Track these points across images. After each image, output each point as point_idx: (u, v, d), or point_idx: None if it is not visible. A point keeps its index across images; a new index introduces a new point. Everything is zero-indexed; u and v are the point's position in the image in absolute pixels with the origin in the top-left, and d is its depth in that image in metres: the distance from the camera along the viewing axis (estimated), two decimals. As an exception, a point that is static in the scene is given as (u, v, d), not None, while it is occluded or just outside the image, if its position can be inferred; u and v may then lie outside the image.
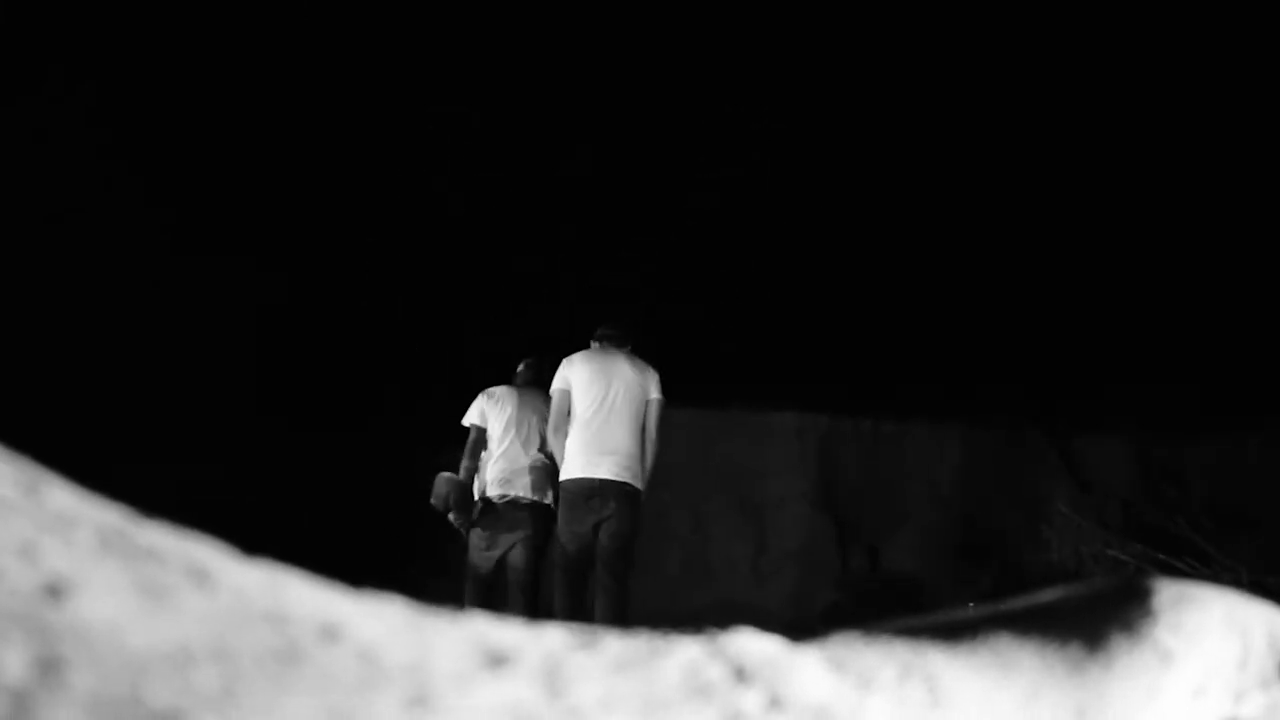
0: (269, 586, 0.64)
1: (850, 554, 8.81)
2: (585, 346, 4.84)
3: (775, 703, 0.68)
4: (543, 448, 4.77)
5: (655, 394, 4.69)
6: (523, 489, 4.78)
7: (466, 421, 5.00)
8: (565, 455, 4.52)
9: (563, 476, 4.52)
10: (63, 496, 0.65)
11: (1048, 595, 1.13)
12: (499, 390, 5.07)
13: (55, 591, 0.56)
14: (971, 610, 1.08)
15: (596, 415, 4.51)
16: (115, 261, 8.82)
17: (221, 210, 9.76)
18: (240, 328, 9.73)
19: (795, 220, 10.62)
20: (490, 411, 4.97)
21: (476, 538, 4.82)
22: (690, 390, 9.41)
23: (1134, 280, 9.47)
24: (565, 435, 4.54)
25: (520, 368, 5.30)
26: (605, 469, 4.42)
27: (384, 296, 10.40)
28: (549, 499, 4.77)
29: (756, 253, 10.48)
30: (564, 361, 4.67)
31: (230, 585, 0.62)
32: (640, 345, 4.92)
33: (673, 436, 9.61)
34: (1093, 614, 1.03)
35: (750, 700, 0.67)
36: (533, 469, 4.77)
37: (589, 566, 4.44)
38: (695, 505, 9.22)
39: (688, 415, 9.77)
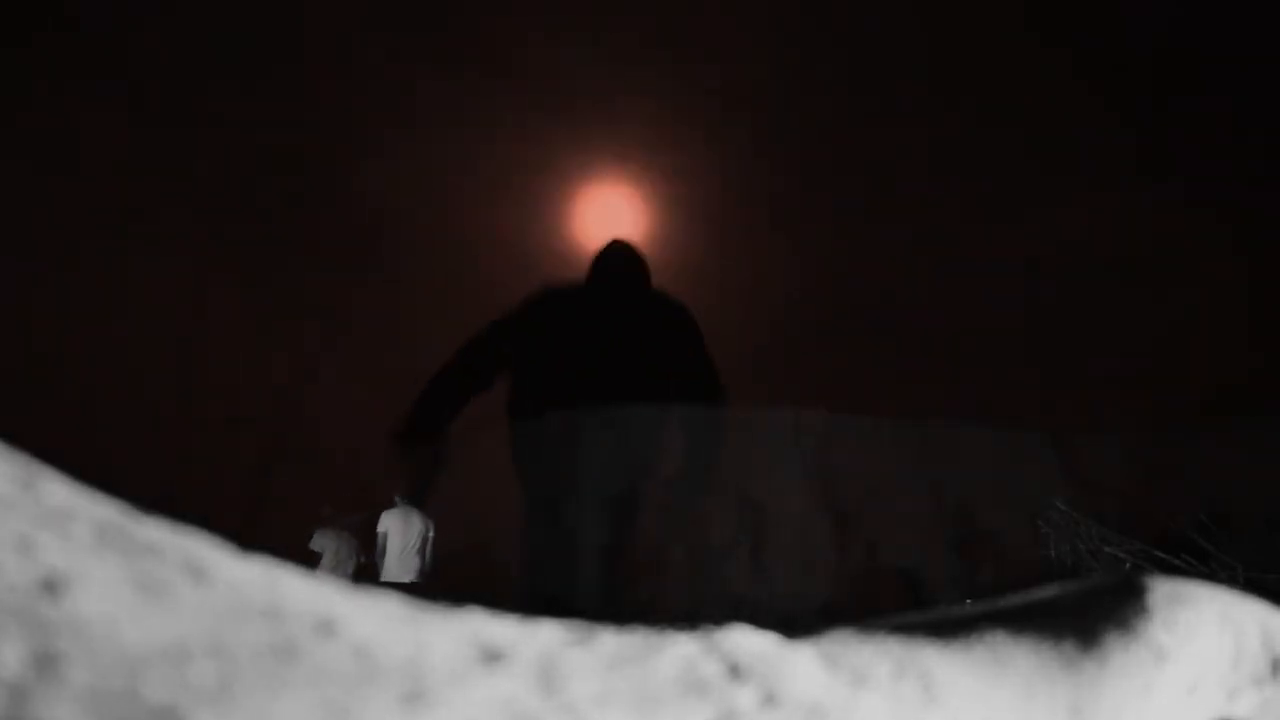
0: (265, 582, 0.64)
1: (846, 550, 8.81)
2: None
3: (769, 700, 0.68)
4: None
5: (430, 533, 7.97)
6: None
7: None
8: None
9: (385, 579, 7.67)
10: (60, 491, 0.65)
11: (1044, 592, 1.13)
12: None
13: (52, 587, 0.56)
14: (967, 607, 1.08)
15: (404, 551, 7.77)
16: (114, 259, 8.79)
17: (222, 211, 9.73)
18: (243, 324, 9.70)
19: (795, 218, 10.61)
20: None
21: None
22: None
23: (1133, 277, 9.46)
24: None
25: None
26: (409, 576, 7.71)
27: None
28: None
29: (755, 251, 10.47)
30: (385, 514, 7.94)
31: (227, 581, 0.62)
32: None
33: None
34: (1088, 611, 1.03)
35: (745, 697, 0.67)
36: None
37: None
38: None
39: (687, 410, 9.75)
